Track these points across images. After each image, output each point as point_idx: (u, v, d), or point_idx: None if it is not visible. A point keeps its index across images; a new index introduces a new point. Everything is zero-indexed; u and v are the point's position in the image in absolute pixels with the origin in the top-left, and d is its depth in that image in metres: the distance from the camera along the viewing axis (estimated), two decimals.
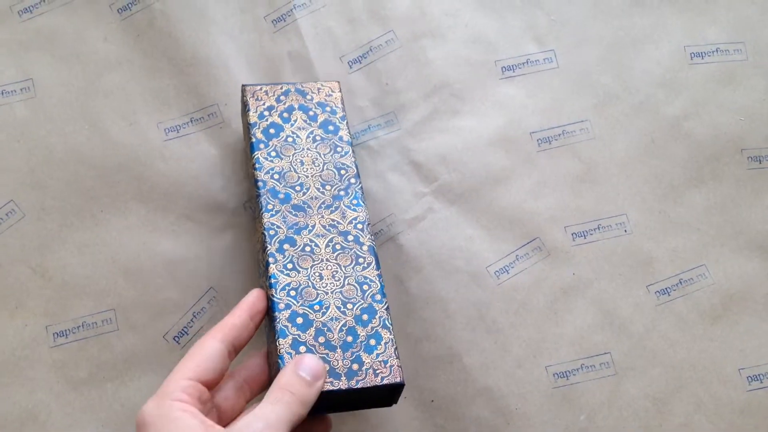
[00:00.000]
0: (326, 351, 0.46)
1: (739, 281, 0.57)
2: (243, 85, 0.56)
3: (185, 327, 0.55)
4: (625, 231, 0.58)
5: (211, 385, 0.43)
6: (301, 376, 0.43)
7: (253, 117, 0.54)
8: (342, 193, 0.52)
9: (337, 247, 0.50)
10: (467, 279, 0.57)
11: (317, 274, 0.49)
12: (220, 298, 0.56)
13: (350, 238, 0.51)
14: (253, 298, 0.47)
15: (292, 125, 0.54)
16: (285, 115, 0.55)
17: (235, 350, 0.45)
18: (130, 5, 0.61)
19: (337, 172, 0.53)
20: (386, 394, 0.47)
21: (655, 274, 0.57)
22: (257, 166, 0.52)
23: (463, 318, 0.56)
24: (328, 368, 0.46)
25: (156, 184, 0.58)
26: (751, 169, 0.60)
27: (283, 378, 0.42)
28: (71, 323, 0.55)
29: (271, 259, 0.49)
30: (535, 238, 0.58)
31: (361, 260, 0.50)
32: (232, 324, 0.45)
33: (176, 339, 0.55)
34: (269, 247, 0.50)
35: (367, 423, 0.54)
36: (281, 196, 0.52)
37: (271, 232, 0.50)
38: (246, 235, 0.57)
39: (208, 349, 0.43)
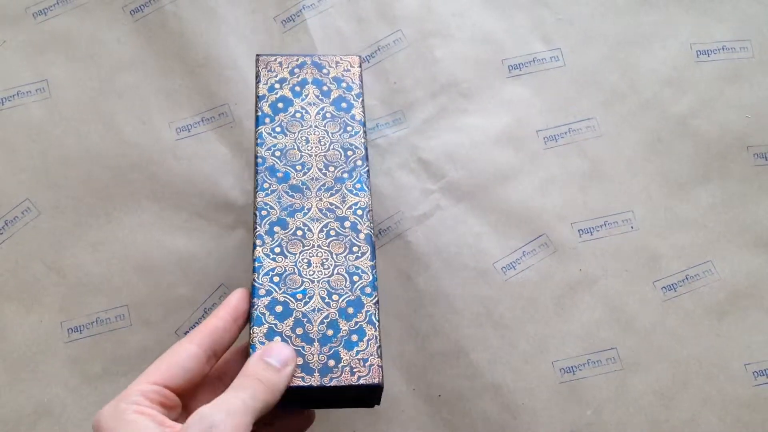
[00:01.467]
0: (302, 343, 0.43)
1: (745, 277, 0.57)
2: (257, 55, 0.53)
3: (197, 323, 0.56)
4: (632, 227, 0.58)
5: (182, 390, 0.40)
6: (268, 362, 0.41)
7: (262, 89, 0.51)
8: (345, 175, 0.49)
9: (332, 233, 0.47)
10: (474, 275, 0.57)
11: (305, 260, 0.46)
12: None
13: (347, 224, 0.47)
14: (236, 300, 0.44)
15: (302, 99, 0.51)
16: (297, 88, 0.52)
17: (215, 354, 0.43)
18: (142, 7, 0.62)
19: (343, 153, 0.49)
20: (364, 395, 0.44)
21: (661, 270, 0.58)
22: (259, 141, 0.50)
23: (470, 314, 0.56)
24: (300, 359, 0.42)
25: (168, 183, 0.59)
26: (758, 166, 0.60)
27: (250, 365, 0.40)
28: (85, 319, 0.56)
29: (258, 242, 0.46)
30: (541, 234, 0.58)
31: (355, 249, 0.46)
32: (213, 327, 0.43)
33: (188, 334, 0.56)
34: (259, 228, 0.47)
35: (372, 417, 0.55)
36: (279, 174, 0.48)
37: (263, 213, 0.47)
38: None
39: (180, 354, 0.41)
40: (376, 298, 0.45)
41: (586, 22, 0.63)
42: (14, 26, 0.62)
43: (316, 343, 0.43)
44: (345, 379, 0.42)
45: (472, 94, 0.62)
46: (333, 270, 0.46)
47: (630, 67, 0.62)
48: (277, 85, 0.51)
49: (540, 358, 0.56)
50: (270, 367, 0.40)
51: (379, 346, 0.44)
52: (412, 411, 0.55)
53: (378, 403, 0.45)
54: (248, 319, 0.44)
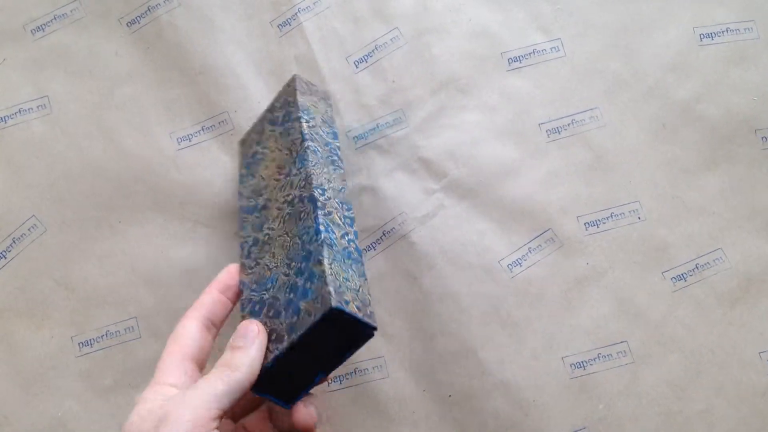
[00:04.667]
0: (274, 320, 0.43)
1: (756, 263, 0.56)
2: (239, 141, 0.60)
3: None
4: (639, 218, 0.58)
5: (199, 362, 0.44)
6: (233, 345, 0.42)
7: (242, 169, 0.57)
8: (291, 165, 0.51)
9: (287, 217, 0.48)
10: (480, 273, 0.57)
11: (271, 254, 0.47)
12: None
13: (296, 201, 0.48)
14: (224, 275, 0.49)
15: (263, 147, 0.56)
16: (258, 140, 0.57)
17: (214, 325, 0.47)
18: (138, 18, 0.62)
19: (289, 151, 0.52)
20: (341, 328, 0.41)
21: (670, 260, 0.57)
22: (240, 200, 0.55)
23: (477, 312, 0.56)
24: (265, 329, 0.43)
25: (171, 194, 0.59)
26: (766, 149, 0.59)
27: (221, 358, 0.42)
28: (95, 332, 0.57)
29: (242, 268, 0.50)
30: (547, 229, 0.58)
31: (303, 215, 0.46)
32: (204, 302, 0.47)
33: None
34: (242, 259, 0.51)
35: (383, 419, 0.55)
36: (252, 204, 0.53)
37: (243, 243, 0.52)
38: None
39: (188, 329, 0.45)
40: (322, 240, 0.43)
41: (585, 10, 0.62)
42: (13, 44, 0.62)
43: (282, 312, 0.43)
44: (305, 323, 0.41)
45: (471, 90, 0.61)
46: (290, 243, 0.46)
47: (632, 55, 0.61)
48: (249, 156, 0.58)
49: (549, 354, 0.55)
50: (236, 349, 0.42)
51: (330, 276, 0.41)
52: (422, 412, 0.55)
53: (371, 330, 0.42)
54: (239, 292, 0.49)
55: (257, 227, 0.51)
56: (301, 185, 0.48)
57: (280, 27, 0.63)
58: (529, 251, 0.57)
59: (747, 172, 0.58)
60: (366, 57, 0.62)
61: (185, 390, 0.40)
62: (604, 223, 0.58)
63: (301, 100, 0.55)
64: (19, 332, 0.57)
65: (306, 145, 0.50)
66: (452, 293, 0.56)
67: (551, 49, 0.62)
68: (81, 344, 0.56)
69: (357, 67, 0.62)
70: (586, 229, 0.58)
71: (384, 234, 0.58)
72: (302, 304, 0.42)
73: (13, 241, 0.58)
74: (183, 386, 0.41)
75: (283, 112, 0.55)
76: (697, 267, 0.57)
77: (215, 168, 0.60)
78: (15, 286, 0.57)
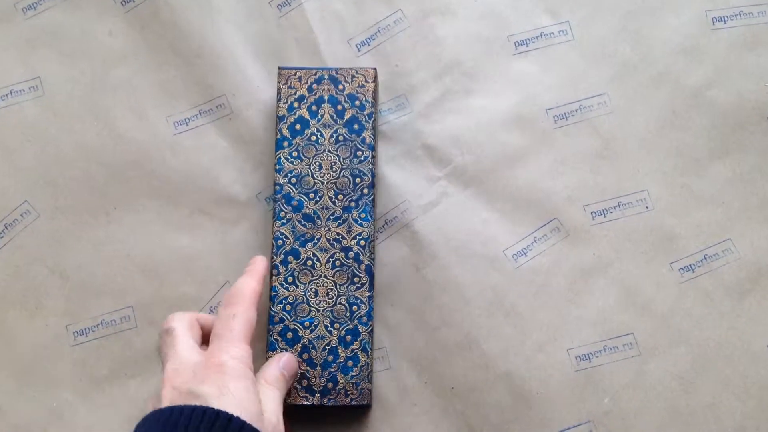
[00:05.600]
0: (307, 368, 0.51)
1: (766, 254, 0.55)
2: (279, 68, 0.56)
3: None
4: (647, 207, 0.56)
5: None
6: (283, 373, 0.48)
7: (282, 110, 0.55)
8: (352, 204, 0.53)
9: (337, 263, 0.53)
10: (484, 263, 0.56)
11: (313, 290, 0.52)
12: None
13: (351, 255, 0.52)
14: (262, 268, 0.51)
15: (318, 120, 0.54)
16: (314, 108, 0.55)
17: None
18: None
19: (351, 180, 0.53)
20: (354, 410, 0.53)
21: (678, 250, 0.56)
22: (278, 167, 0.54)
23: (481, 303, 0.55)
24: (305, 381, 0.51)
25: (168, 179, 0.58)
26: None
27: (272, 370, 0.48)
28: (91, 321, 0.55)
29: (274, 271, 0.53)
30: (553, 218, 0.56)
31: (356, 279, 0.52)
32: (259, 293, 0.49)
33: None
34: (275, 257, 0.53)
35: (385, 412, 0.54)
36: (294, 203, 0.53)
37: (279, 242, 0.53)
38: (260, 227, 0.57)
39: (253, 321, 0.47)
40: (371, 327, 0.52)
41: None
42: (4, 23, 0.60)
43: (318, 368, 0.51)
44: (340, 400, 0.51)
45: (477, 74, 0.59)
46: (336, 300, 0.52)
47: (642, 39, 0.59)
48: (296, 104, 0.55)
49: (554, 346, 0.54)
50: (282, 377, 0.48)
51: (370, 372, 0.52)
52: (425, 404, 0.54)
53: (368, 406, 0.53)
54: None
55: (299, 238, 0.53)
56: (362, 245, 0.53)
57: (280, 8, 0.61)
58: (535, 241, 0.56)
59: (758, 160, 0.57)
60: (368, 40, 0.60)
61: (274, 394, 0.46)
62: (611, 212, 0.56)
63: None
64: (12, 321, 0.55)
65: (372, 196, 0.54)
66: (456, 283, 0.55)
67: (559, 32, 0.60)
68: (76, 333, 0.55)
69: (359, 51, 0.60)
70: (593, 219, 0.56)
71: (386, 222, 0.57)
72: (340, 379, 0.51)
73: (5, 227, 0.57)
74: None
75: (352, 105, 0.55)
76: (705, 258, 0.55)
77: (213, 153, 0.58)
78: (7, 273, 0.56)
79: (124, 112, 0.59)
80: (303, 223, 0.53)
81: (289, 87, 0.55)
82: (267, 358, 0.51)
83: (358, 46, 0.60)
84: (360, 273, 0.52)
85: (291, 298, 0.52)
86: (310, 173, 0.54)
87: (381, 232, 0.57)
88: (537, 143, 0.58)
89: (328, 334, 0.52)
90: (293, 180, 0.53)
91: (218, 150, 0.58)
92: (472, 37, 0.60)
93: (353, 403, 0.51)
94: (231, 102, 0.59)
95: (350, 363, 0.51)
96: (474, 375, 0.54)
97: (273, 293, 0.52)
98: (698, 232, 0.56)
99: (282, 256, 0.52)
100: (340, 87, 0.55)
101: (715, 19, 0.59)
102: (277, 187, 0.53)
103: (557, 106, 0.58)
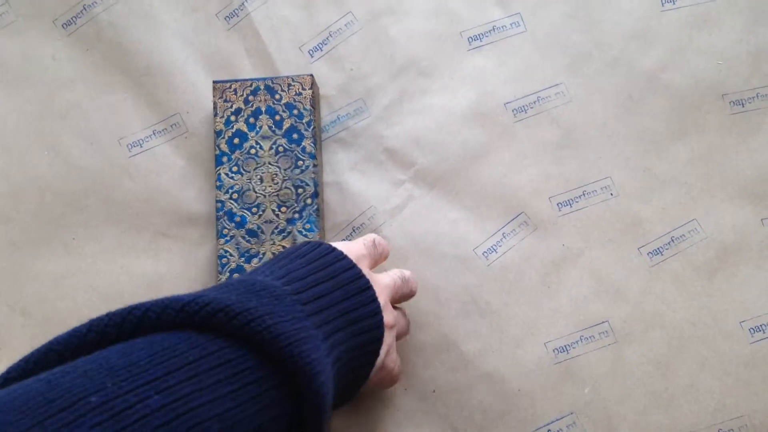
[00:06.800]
0: None
1: (732, 232, 0.56)
2: (214, 82, 0.54)
3: None
4: (611, 194, 0.57)
5: None
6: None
7: (219, 124, 0.54)
8: (296, 215, 0.52)
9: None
10: (456, 264, 0.55)
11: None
12: None
13: None
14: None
15: (257, 133, 0.53)
16: (251, 120, 0.54)
17: None
18: (74, 19, 0.59)
19: (294, 191, 0.53)
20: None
21: (645, 235, 0.56)
22: (218, 184, 0.53)
23: (455, 304, 0.55)
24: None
25: (126, 204, 0.56)
26: (734, 114, 0.58)
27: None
28: None
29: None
30: (520, 213, 0.56)
31: None
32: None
33: None
34: (221, 276, 0.51)
35: (367, 418, 0.53)
36: (237, 219, 0.52)
37: (224, 261, 0.52)
38: None
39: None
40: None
41: None
42: None
43: None
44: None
45: (432, 73, 0.59)
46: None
47: (594, 24, 0.59)
48: (233, 117, 0.54)
49: (532, 340, 0.54)
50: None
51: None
52: (407, 409, 0.53)
53: None
54: None
55: (244, 254, 0.52)
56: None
57: (228, 19, 0.59)
58: (504, 237, 0.56)
59: (717, 138, 0.57)
60: (320, 45, 0.59)
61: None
62: (576, 202, 0.56)
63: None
64: None
65: (316, 206, 0.53)
66: (429, 286, 0.55)
67: (511, 24, 0.60)
68: None
69: (312, 57, 0.59)
70: (559, 210, 0.56)
71: (354, 230, 0.56)
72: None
73: None
74: None
75: (290, 114, 0.54)
76: (672, 240, 0.56)
77: (171, 174, 0.57)
78: None
79: (75, 138, 0.57)
80: (247, 239, 0.52)
81: (225, 101, 0.54)
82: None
83: (311, 52, 0.59)
84: None
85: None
86: (251, 187, 0.53)
87: (349, 240, 0.56)
88: (498, 138, 0.57)
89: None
90: (234, 195, 0.53)
91: (176, 170, 0.57)
92: (424, 35, 0.59)
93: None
94: (186, 120, 0.57)
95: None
96: (454, 377, 0.53)
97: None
98: (663, 214, 0.56)
99: (227, 274, 0.51)
100: (277, 96, 0.54)
101: (664, 0, 0.59)
102: (219, 204, 0.52)
103: (515, 100, 0.58)
